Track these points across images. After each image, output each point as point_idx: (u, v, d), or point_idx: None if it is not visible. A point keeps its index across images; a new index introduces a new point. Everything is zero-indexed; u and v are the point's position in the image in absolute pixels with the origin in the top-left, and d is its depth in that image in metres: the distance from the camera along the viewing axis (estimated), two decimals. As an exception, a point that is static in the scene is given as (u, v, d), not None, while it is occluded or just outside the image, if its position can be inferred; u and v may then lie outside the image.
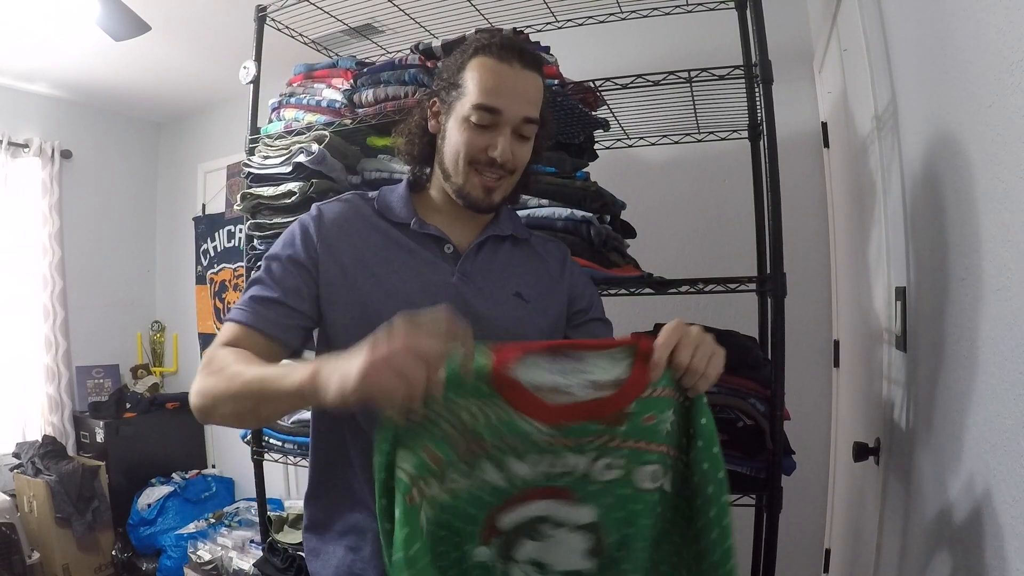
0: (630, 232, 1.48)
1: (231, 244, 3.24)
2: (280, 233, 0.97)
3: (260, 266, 0.91)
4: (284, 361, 0.87)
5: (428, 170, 0.98)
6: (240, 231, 3.16)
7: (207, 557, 2.55)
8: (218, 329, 3.27)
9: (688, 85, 1.29)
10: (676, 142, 1.75)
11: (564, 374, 0.69)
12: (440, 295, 0.87)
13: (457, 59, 0.92)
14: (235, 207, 1.81)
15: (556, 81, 1.31)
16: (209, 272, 3.36)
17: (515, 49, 0.89)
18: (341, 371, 0.62)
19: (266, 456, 1.65)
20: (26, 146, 3.09)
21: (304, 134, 1.49)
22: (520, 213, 1.26)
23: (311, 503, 0.96)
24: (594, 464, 0.69)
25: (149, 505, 2.90)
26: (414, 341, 0.60)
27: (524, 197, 1.29)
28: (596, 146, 1.66)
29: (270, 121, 1.61)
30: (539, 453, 0.69)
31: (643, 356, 0.69)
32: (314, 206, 0.96)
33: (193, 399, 0.80)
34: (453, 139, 0.90)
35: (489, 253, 0.96)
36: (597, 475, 0.70)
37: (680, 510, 0.72)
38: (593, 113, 1.44)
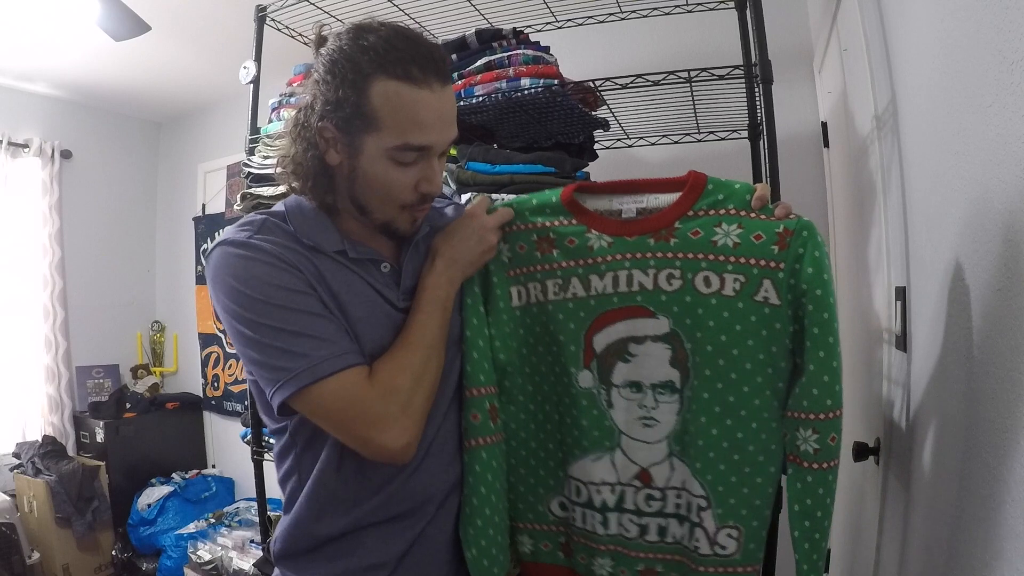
0: (630, 232, 1.47)
1: (231, 244, 3.24)
2: None
3: (272, 322, 0.75)
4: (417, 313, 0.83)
5: (330, 193, 0.84)
6: (240, 231, 3.15)
7: (207, 557, 2.55)
8: (219, 330, 3.27)
9: (688, 85, 1.29)
10: (676, 142, 1.75)
11: (621, 202, 0.88)
12: (397, 322, 0.83)
13: (350, 75, 0.75)
14: (235, 207, 1.81)
15: (556, 81, 1.31)
16: (209, 272, 3.36)
17: (429, 63, 0.76)
18: (462, 266, 0.86)
19: (266, 456, 1.65)
20: (26, 146, 3.09)
21: (304, 134, 1.49)
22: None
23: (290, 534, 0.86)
24: (658, 277, 0.84)
25: (149, 505, 2.90)
26: (480, 219, 0.88)
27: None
28: (596, 146, 1.66)
29: (270, 121, 1.61)
30: (612, 269, 0.85)
31: (689, 187, 0.84)
32: (237, 248, 0.78)
33: (405, 432, 0.75)
34: (373, 180, 0.79)
35: (416, 260, 0.89)
36: (663, 286, 0.84)
37: (776, 324, 0.81)
38: (593, 113, 1.44)
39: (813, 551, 0.80)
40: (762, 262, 0.80)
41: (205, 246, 3.38)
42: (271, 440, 0.92)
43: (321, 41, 0.82)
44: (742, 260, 0.80)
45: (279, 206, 0.88)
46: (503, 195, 1.30)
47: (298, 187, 0.85)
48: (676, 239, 0.83)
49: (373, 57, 0.75)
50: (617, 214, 0.88)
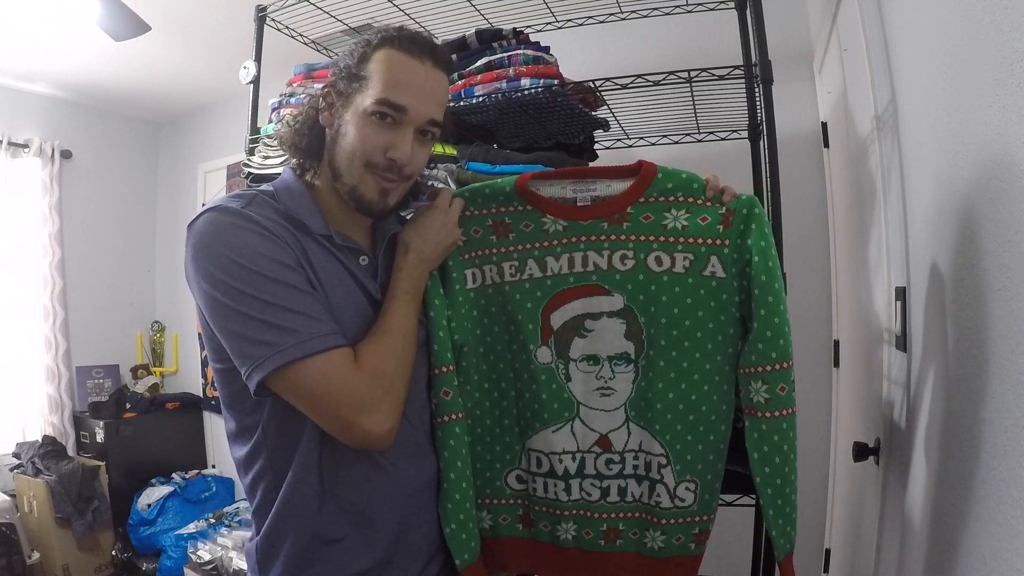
0: (630, 232, 1.47)
1: (231, 244, 3.24)
2: None
3: (267, 294, 0.73)
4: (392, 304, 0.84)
5: (315, 164, 0.89)
6: (240, 231, 3.15)
7: (207, 557, 2.55)
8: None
9: (688, 85, 1.29)
10: (676, 142, 1.75)
11: (575, 190, 0.93)
12: (370, 314, 0.84)
13: (360, 48, 0.84)
14: (235, 207, 1.80)
15: (556, 81, 1.31)
16: (209, 272, 3.36)
17: (427, 46, 0.84)
18: (431, 259, 0.90)
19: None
20: (26, 146, 3.09)
21: (304, 134, 1.48)
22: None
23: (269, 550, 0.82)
24: (612, 258, 0.90)
25: (149, 505, 2.90)
26: (447, 213, 0.92)
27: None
28: (596, 146, 1.66)
29: (270, 121, 1.61)
30: (568, 251, 0.91)
31: (640, 176, 0.90)
32: (230, 216, 0.76)
33: (388, 417, 0.76)
34: (349, 136, 0.83)
35: (389, 257, 0.91)
36: (617, 266, 0.90)
37: (723, 296, 0.88)
38: (593, 113, 1.44)
39: (777, 496, 0.86)
40: (709, 240, 0.88)
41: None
42: (235, 448, 0.87)
43: None
44: (690, 240, 0.88)
45: (267, 186, 0.88)
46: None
47: (287, 138, 0.89)
48: (628, 223, 0.90)
49: (387, 36, 0.83)
50: (572, 201, 0.93)
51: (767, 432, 0.85)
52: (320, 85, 0.89)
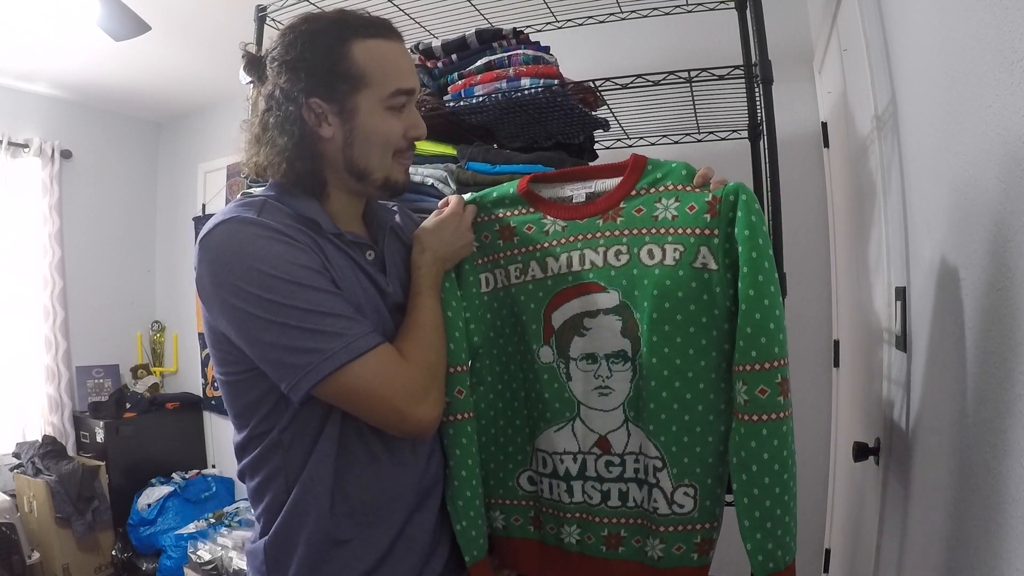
0: (630, 232, 1.47)
1: (231, 244, 3.24)
2: None
3: (300, 304, 0.73)
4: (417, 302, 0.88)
5: (319, 179, 0.85)
6: (240, 231, 3.14)
7: (207, 557, 2.55)
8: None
9: (688, 85, 1.29)
10: (676, 142, 1.75)
11: (572, 190, 0.95)
12: (383, 308, 0.85)
13: (328, 44, 0.80)
14: (235, 207, 1.80)
15: (556, 81, 1.31)
16: (209, 272, 3.35)
17: (389, 25, 0.85)
18: (447, 260, 0.93)
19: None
20: (26, 146, 3.09)
21: (304, 134, 1.48)
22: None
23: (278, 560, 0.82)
24: (607, 254, 0.90)
25: (149, 505, 2.91)
26: (461, 217, 0.94)
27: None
28: (596, 146, 1.66)
29: (270, 121, 1.61)
30: (566, 250, 0.92)
31: (630, 169, 0.91)
32: (249, 226, 0.76)
33: (437, 405, 0.81)
34: (374, 135, 0.83)
35: (394, 247, 0.93)
36: (612, 262, 0.90)
37: (711, 290, 0.85)
38: (593, 113, 1.44)
39: (754, 508, 0.80)
40: (697, 230, 0.85)
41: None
42: (243, 454, 0.87)
43: (255, 61, 0.90)
44: (680, 231, 0.86)
45: (264, 189, 0.88)
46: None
47: (292, 175, 0.84)
48: (622, 218, 0.90)
49: (345, 26, 0.82)
50: (568, 200, 0.95)
51: (745, 436, 0.80)
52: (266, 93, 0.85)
